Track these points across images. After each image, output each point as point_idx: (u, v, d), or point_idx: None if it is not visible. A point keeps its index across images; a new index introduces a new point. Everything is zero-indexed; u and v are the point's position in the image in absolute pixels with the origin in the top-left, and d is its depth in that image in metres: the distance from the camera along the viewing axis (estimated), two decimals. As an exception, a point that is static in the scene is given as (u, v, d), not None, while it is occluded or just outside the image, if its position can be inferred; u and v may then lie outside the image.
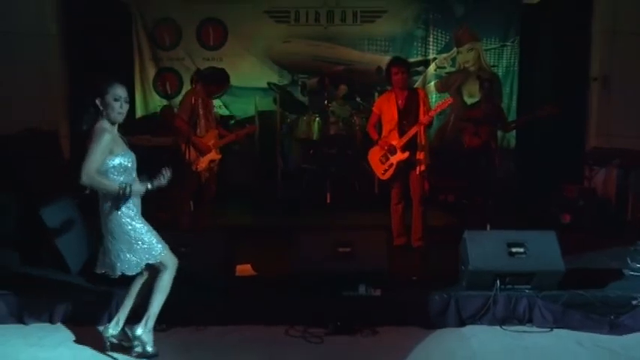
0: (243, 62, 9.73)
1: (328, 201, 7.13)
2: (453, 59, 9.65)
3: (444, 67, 9.70)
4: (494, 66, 9.57)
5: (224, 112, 9.65)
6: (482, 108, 7.47)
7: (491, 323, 4.75)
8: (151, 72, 9.76)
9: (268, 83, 9.33)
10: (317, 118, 8.62)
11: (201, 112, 6.27)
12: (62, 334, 4.61)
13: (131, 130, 8.09)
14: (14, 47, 7.60)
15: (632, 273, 5.30)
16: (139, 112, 9.72)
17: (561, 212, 7.35)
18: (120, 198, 3.96)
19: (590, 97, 8.14)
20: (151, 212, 7.45)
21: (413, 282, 5.24)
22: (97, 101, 4.01)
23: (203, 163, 6.27)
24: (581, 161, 7.86)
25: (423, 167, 6.12)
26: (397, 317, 4.77)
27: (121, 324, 4.28)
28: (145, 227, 4.14)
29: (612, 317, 4.67)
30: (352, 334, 4.58)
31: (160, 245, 4.15)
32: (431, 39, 9.61)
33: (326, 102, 8.62)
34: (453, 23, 9.57)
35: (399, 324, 4.73)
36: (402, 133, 6.06)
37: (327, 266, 4.98)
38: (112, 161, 3.99)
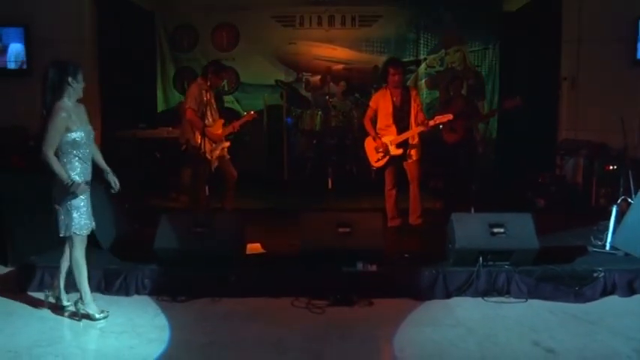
0: (253, 62, 9.70)
1: (330, 186, 7.11)
2: (442, 60, 9.61)
3: (434, 67, 9.68)
4: (477, 66, 9.53)
5: (236, 107, 9.63)
6: (454, 105, 7.39)
7: (474, 295, 4.75)
8: (171, 71, 9.75)
9: (276, 80, 9.29)
10: (319, 112, 8.60)
11: (207, 103, 6.12)
12: (96, 302, 4.60)
13: (153, 123, 8.19)
14: (54, 53, 7.64)
15: (594, 249, 5.33)
16: (160, 107, 9.71)
17: (536, 196, 7.35)
18: (66, 188, 4.01)
19: (560, 94, 8.14)
20: (171, 197, 7.48)
21: (405, 259, 5.22)
22: (70, 79, 4.03)
23: (217, 150, 6.22)
24: (554, 151, 7.84)
25: (415, 157, 6.10)
26: (391, 290, 4.77)
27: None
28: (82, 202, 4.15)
29: (577, 288, 4.71)
30: (351, 305, 4.58)
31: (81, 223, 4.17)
32: (422, 41, 9.58)
33: (327, 97, 8.59)
34: (442, 28, 9.53)
35: (392, 296, 4.72)
36: (399, 129, 6.04)
37: (329, 244, 4.97)
38: (68, 138, 4.02)
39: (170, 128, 7.82)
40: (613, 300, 4.71)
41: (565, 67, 8.08)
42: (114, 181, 4.41)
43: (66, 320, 4.37)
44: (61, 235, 4.20)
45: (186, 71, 9.66)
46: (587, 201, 7.07)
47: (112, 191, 4.43)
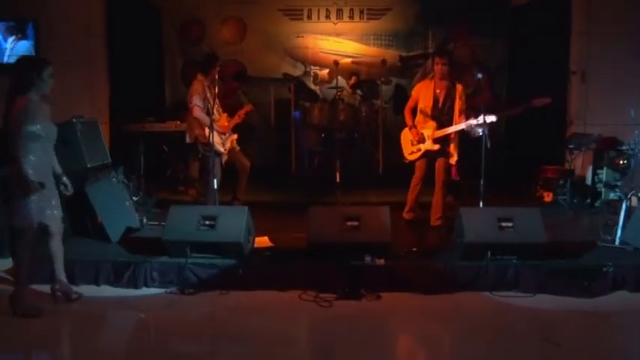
0: (260, 55, 9.69)
1: (338, 180, 7.09)
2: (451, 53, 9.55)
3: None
4: (486, 60, 9.47)
5: (242, 99, 9.63)
6: (480, 98, 7.28)
7: (482, 289, 4.74)
8: (179, 65, 9.74)
9: (283, 74, 9.27)
10: (327, 106, 8.58)
11: (211, 99, 6.11)
12: (106, 295, 4.65)
13: (161, 117, 8.21)
14: (67, 47, 7.76)
15: (604, 244, 5.29)
16: (168, 101, 9.72)
17: (544, 191, 7.31)
18: (21, 184, 4.04)
19: (570, 88, 8.10)
20: (179, 190, 7.49)
21: (413, 253, 5.21)
22: (35, 75, 4.11)
23: (227, 143, 6.29)
24: (562, 145, 7.80)
25: (453, 159, 5.90)
26: (399, 284, 4.76)
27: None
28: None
29: (586, 283, 4.69)
30: (358, 299, 4.58)
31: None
32: (430, 35, 9.53)
33: (336, 91, 8.57)
34: (450, 22, 9.47)
35: (400, 290, 4.71)
36: (439, 124, 5.80)
37: (336, 238, 4.97)
38: (29, 129, 4.07)
39: (178, 122, 7.83)
40: (622, 295, 4.67)
41: (574, 60, 8.03)
42: (67, 185, 4.44)
43: (74, 312, 4.39)
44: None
45: (194, 65, 9.65)
46: (596, 195, 7.03)
47: (66, 194, 4.48)
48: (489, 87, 7.70)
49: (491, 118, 5.46)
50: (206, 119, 5.97)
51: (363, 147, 8.68)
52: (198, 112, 6.10)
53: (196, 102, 6.09)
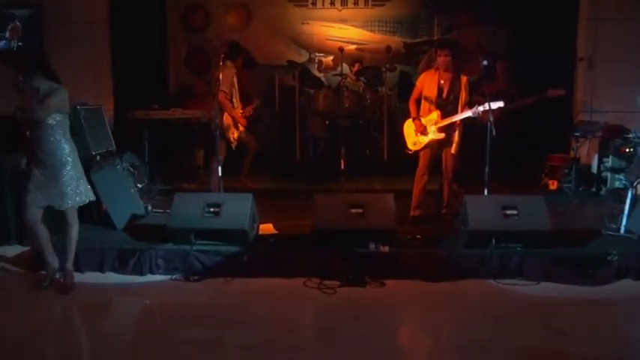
0: (265, 42, 9.63)
1: (342, 167, 7.09)
2: (454, 43, 9.49)
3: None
4: (491, 47, 9.40)
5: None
6: (497, 84, 7.17)
7: (486, 277, 4.75)
8: (183, 52, 9.70)
9: (288, 61, 9.24)
10: (332, 92, 8.55)
11: (236, 86, 6.31)
12: (111, 282, 4.68)
13: (165, 104, 8.20)
14: (71, 34, 7.81)
15: (609, 233, 5.29)
16: (172, 88, 9.69)
17: (549, 179, 7.29)
18: None
19: (576, 76, 8.05)
20: (184, 177, 7.49)
21: (417, 240, 5.22)
22: None
23: (236, 133, 6.40)
24: (569, 133, 7.77)
25: (456, 148, 5.83)
26: (403, 271, 4.78)
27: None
28: None
29: (590, 271, 4.70)
30: (363, 286, 4.60)
31: None
32: (435, 21, 9.46)
33: (340, 78, 8.54)
34: (455, 8, 9.39)
35: (404, 277, 4.74)
36: (444, 113, 5.73)
37: (341, 225, 4.98)
38: None
39: (180, 109, 7.82)
40: (627, 283, 4.69)
41: (581, 47, 7.97)
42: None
43: (79, 299, 4.42)
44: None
45: (199, 52, 9.62)
46: (602, 184, 7.01)
47: None
48: (506, 75, 7.59)
49: (498, 104, 5.40)
50: (228, 106, 6.22)
51: (368, 134, 8.66)
52: (222, 98, 6.15)
53: (224, 87, 6.16)
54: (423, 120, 5.83)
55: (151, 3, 9.07)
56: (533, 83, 7.32)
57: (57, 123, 4.32)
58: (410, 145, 5.98)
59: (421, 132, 5.83)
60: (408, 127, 5.99)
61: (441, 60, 5.79)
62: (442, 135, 5.78)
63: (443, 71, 5.83)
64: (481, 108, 5.48)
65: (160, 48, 9.39)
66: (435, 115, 5.79)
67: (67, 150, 4.38)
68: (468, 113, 5.63)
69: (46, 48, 7.81)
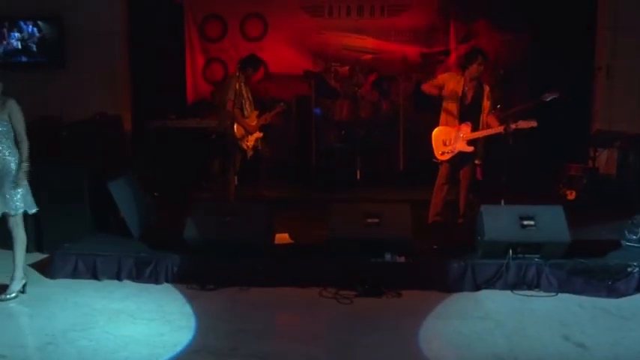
0: (281, 52, 9.68)
1: (358, 177, 7.09)
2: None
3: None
4: (509, 55, 9.35)
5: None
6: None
7: (503, 288, 4.72)
8: (200, 62, 9.79)
9: (304, 71, 9.27)
10: (348, 102, 8.57)
11: (245, 95, 6.35)
12: (127, 289, 4.70)
13: (183, 114, 8.27)
14: (89, 45, 7.95)
15: (628, 244, 5.24)
16: (190, 98, 9.77)
17: (567, 189, 7.22)
18: None
19: (594, 85, 7.98)
20: (201, 187, 7.54)
21: (433, 250, 5.19)
22: None
23: (250, 141, 6.42)
24: (586, 143, 7.70)
25: (478, 160, 5.82)
26: (419, 282, 4.77)
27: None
28: None
29: (610, 283, 4.65)
30: (379, 297, 4.59)
31: None
32: (452, 30, 9.45)
33: (356, 88, 8.55)
34: (472, 17, 9.37)
35: (420, 288, 4.72)
36: (467, 119, 5.66)
37: (357, 235, 4.98)
38: None
39: (198, 119, 7.88)
40: (647, 295, 4.61)
41: (600, 56, 7.91)
42: None
43: (99, 306, 4.46)
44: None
45: (216, 62, 9.70)
46: (621, 194, 6.93)
47: None
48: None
49: (530, 124, 5.38)
50: (236, 115, 6.26)
51: (384, 144, 8.65)
52: (230, 106, 6.27)
53: (231, 96, 6.29)
54: (454, 132, 5.76)
55: (169, 14, 9.18)
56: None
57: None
58: (437, 154, 5.87)
59: (450, 143, 5.77)
60: (438, 136, 5.88)
61: (477, 68, 5.73)
62: (471, 148, 5.72)
63: (469, 79, 5.78)
64: (513, 126, 5.42)
65: (177, 58, 9.50)
66: (467, 126, 5.71)
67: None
68: (499, 130, 5.54)
69: (67, 59, 7.95)
